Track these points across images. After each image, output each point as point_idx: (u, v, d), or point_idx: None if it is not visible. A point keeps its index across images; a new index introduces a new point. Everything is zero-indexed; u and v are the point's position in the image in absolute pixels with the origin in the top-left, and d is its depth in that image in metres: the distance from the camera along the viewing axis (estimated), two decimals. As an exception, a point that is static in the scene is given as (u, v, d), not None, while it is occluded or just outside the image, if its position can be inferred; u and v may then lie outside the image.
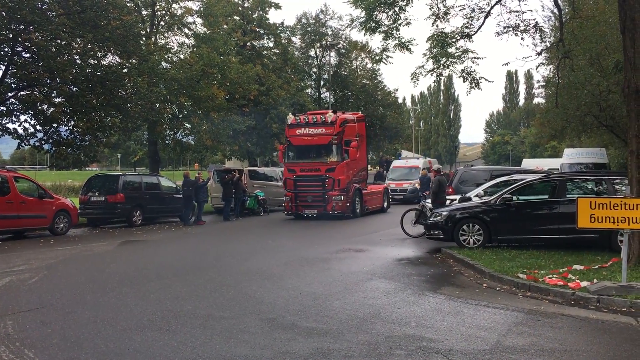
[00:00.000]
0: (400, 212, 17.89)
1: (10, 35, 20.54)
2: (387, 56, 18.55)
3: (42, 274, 10.94)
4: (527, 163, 48.19)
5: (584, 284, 8.92)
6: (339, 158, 22.76)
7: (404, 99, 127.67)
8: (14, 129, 22.32)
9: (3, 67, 21.22)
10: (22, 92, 22.27)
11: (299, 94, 39.77)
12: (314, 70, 50.49)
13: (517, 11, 15.71)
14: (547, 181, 13.87)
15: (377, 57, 18.68)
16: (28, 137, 22.68)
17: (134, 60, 23.53)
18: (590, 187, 13.61)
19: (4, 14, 19.67)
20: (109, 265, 12.16)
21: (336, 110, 26.67)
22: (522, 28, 15.77)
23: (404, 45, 16.10)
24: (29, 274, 10.89)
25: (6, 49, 20.96)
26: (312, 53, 50.02)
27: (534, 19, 15.66)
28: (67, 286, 9.85)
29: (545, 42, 17.43)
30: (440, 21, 15.54)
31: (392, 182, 34.54)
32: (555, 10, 16.28)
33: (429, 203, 16.42)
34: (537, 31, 16.00)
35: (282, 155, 23.90)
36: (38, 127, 22.68)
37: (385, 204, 26.96)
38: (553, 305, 8.26)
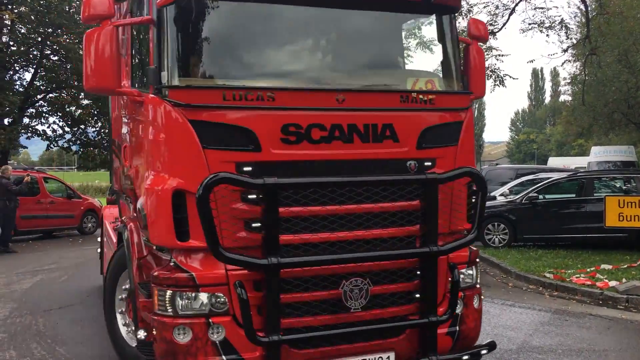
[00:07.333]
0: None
1: (39, 39, 20.98)
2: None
3: (72, 273, 11.13)
4: (554, 161, 47.36)
5: (613, 283, 8.79)
6: None
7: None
8: (43, 130, 22.84)
9: (32, 70, 21.72)
10: (50, 94, 22.74)
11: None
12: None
13: (542, 8, 15.66)
14: (574, 180, 13.68)
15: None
16: (57, 139, 23.16)
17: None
18: (618, 186, 13.40)
19: (32, 17, 20.10)
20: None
21: None
22: (547, 25, 15.65)
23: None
24: (59, 273, 11.10)
25: (35, 52, 21.42)
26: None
27: (559, 16, 15.64)
28: (96, 284, 10.03)
29: (571, 38, 17.24)
30: (463, 19, 15.47)
31: None
32: (582, 7, 16.05)
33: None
34: (563, 28, 15.86)
35: None
36: (66, 129, 23.15)
37: None
38: (581, 305, 8.16)
